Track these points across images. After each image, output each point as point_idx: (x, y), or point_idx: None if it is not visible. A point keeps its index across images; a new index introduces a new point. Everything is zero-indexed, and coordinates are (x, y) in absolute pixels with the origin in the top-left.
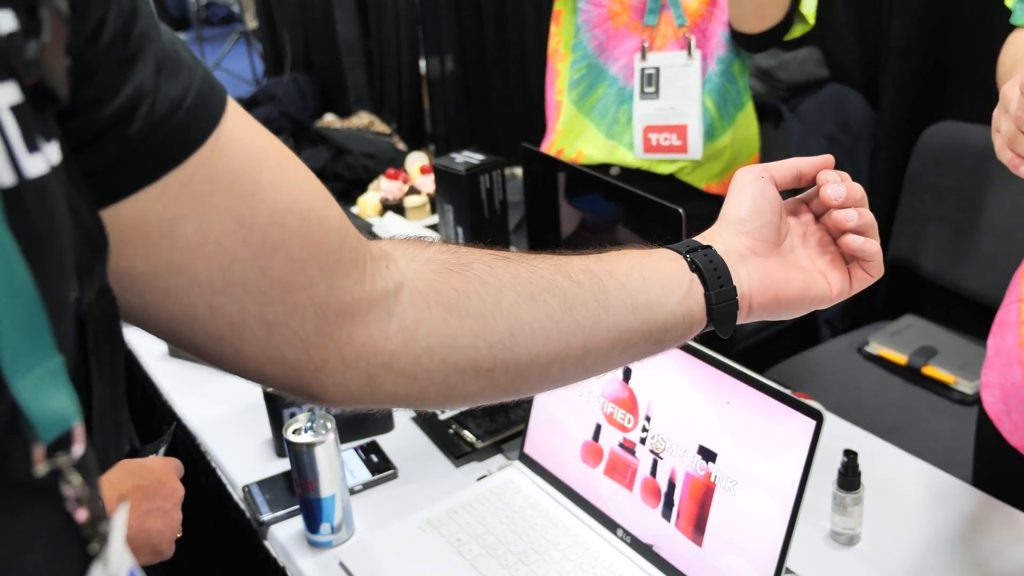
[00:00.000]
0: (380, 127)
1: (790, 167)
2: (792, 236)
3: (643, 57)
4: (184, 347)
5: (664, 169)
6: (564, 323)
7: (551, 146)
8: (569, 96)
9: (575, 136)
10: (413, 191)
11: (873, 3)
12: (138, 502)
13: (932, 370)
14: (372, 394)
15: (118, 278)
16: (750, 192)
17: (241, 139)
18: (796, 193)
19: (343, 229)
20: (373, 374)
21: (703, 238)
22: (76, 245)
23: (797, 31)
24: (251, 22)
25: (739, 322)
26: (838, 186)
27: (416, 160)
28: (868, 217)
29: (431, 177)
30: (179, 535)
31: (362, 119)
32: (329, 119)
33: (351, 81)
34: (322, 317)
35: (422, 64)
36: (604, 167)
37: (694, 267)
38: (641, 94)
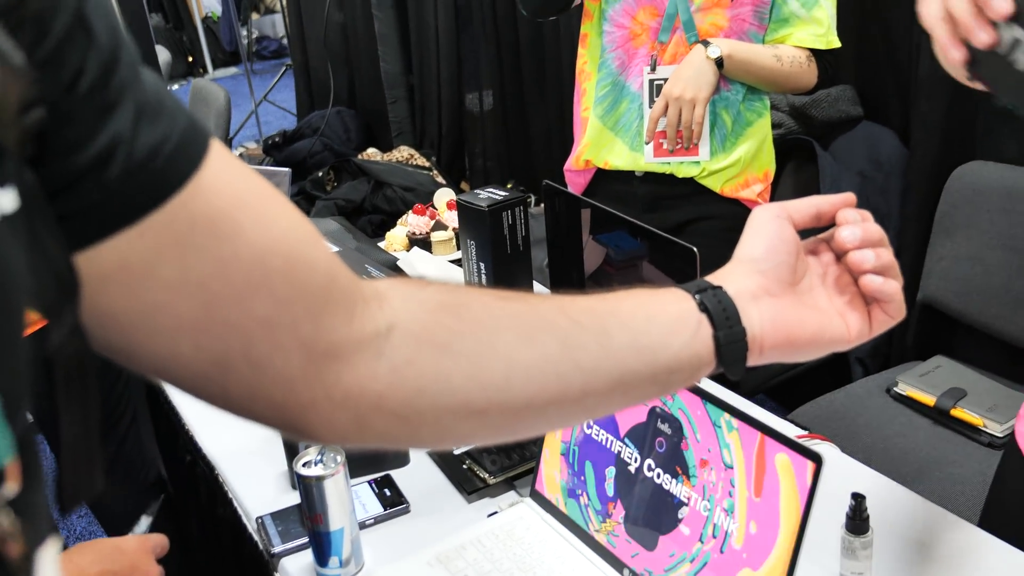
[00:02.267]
0: (420, 160)
1: (809, 206)
2: (811, 276)
3: (652, 70)
4: (172, 384)
5: (684, 172)
6: (562, 365)
7: (579, 157)
8: (595, 112)
9: (601, 147)
10: (439, 226)
11: (904, 42)
12: None
13: (961, 412)
14: (362, 434)
15: (101, 318)
16: (766, 231)
17: (224, 181)
18: (817, 231)
19: (331, 270)
20: (362, 414)
21: (715, 278)
22: (43, 288)
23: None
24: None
25: (751, 364)
26: (855, 228)
27: (443, 196)
28: (887, 258)
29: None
30: None
31: (402, 152)
32: (370, 152)
33: (393, 115)
34: (308, 357)
35: (465, 99)
36: (628, 173)
37: (703, 307)
38: (650, 103)
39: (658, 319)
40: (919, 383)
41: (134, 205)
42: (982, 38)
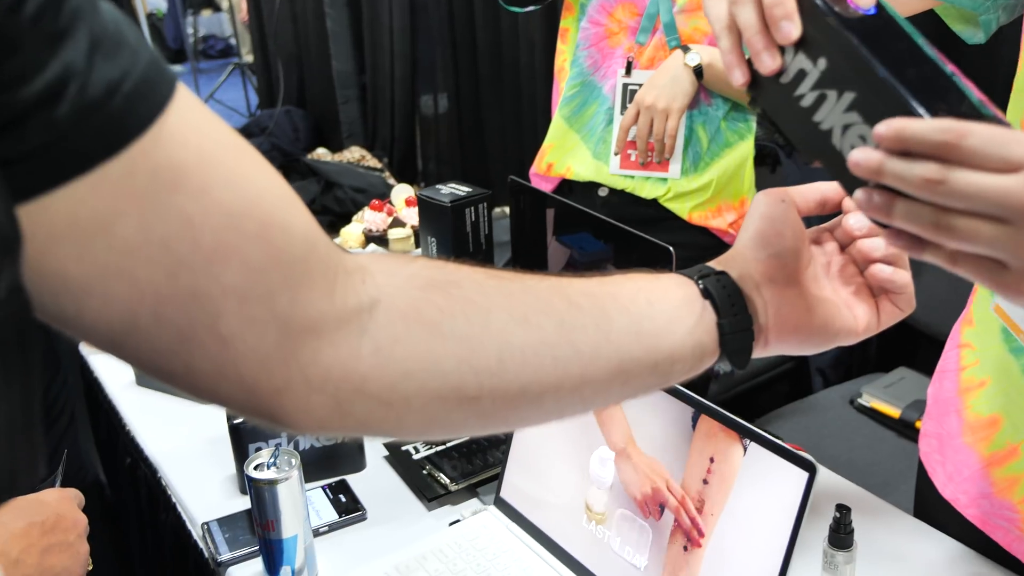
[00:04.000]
0: (372, 162)
1: (814, 192)
2: (815, 265)
3: (627, 73)
4: (129, 361)
5: (648, 193)
6: (560, 349)
7: (541, 158)
8: (561, 112)
9: (564, 152)
10: (397, 223)
11: None
12: (36, 540)
13: None
14: (342, 421)
15: (50, 282)
16: (770, 215)
17: (192, 130)
18: (819, 221)
19: (311, 237)
20: (343, 399)
21: (717, 263)
22: None
23: None
24: (248, 55)
25: (756, 355)
26: (862, 215)
27: (402, 192)
28: None
29: (416, 210)
30: (90, 568)
31: (354, 153)
32: (320, 152)
33: (344, 115)
34: (284, 333)
35: (419, 100)
36: (592, 185)
37: (706, 294)
38: (622, 109)
39: (660, 304)
40: (883, 395)
41: (87, 151)
42: (766, 63)
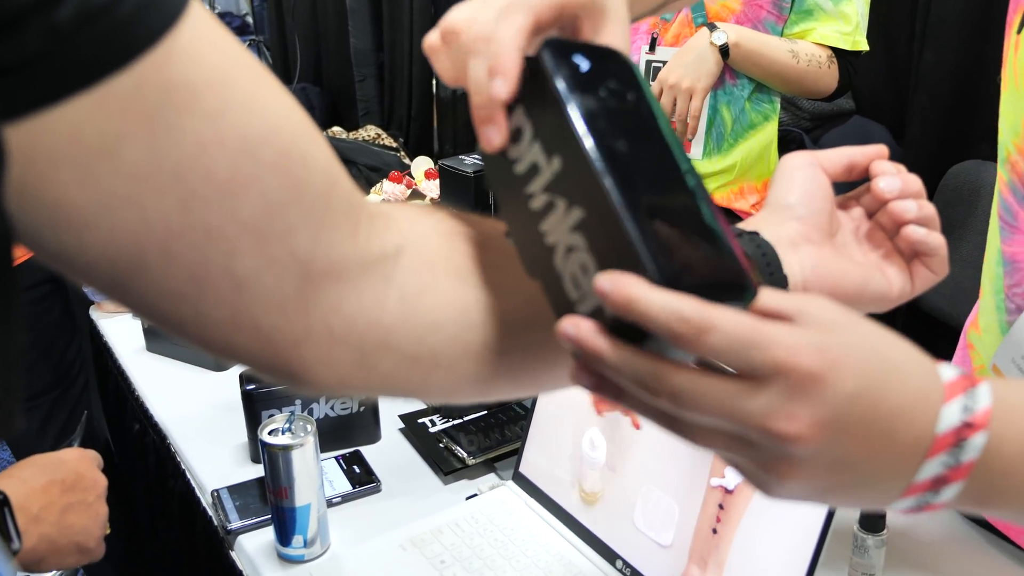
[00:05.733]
0: (387, 141)
1: (841, 156)
2: (843, 231)
3: (651, 50)
4: (135, 307)
5: None
6: None
7: None
8: None
9: None
10: (417, 195)
11: (905, 33)
12: (56, 497)
13: None
14: (366, 377)
15: (49, 212)
16: (800, 176)
17: (207, 48)
18: (845, 188)
19: (332, 171)
20: (367, 351)
21: (747, 224)
22: None
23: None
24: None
25: None
26: (893, 178)
27: (421, 164)
28: (929, 209)
29: (436, 183)
30: (108, 531)
31: (369, 132)
32: (336, 130)
33: (360, 93)
34: (304, 276)
35: (434, 81)
36: None
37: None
38: None
39: None
40: None
41: (92, 62)
42: (485, 137)
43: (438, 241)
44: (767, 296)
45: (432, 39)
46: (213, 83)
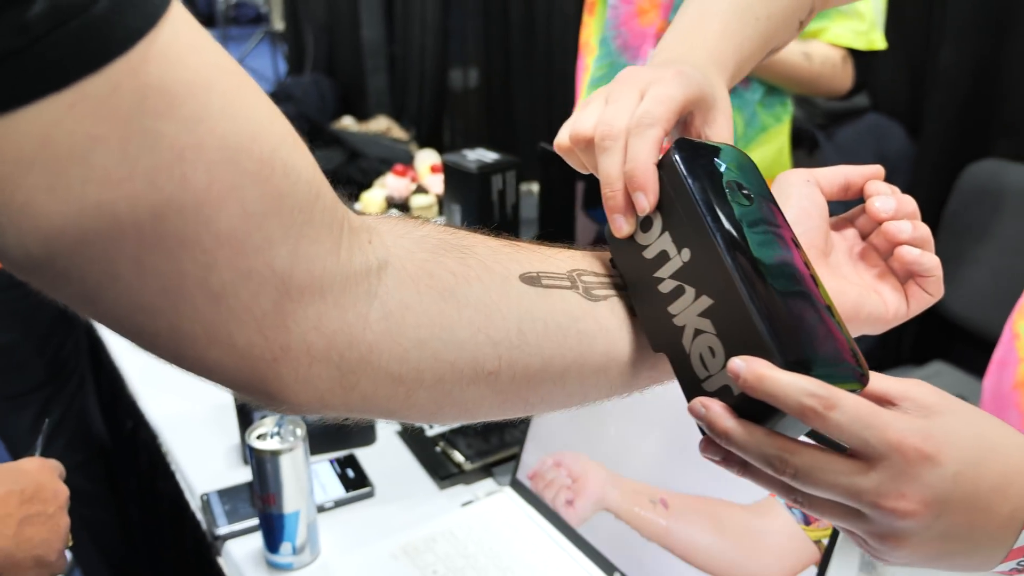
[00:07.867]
0: (398, 133)
1: (837, 175)
2: (837, 252)
3: None
4: (106, 320)
5: None
6: (584, 323)
7: None
8: (588, 94)
9: None
10: (421, 190)
11: (922, 28)
12: (13, 509)
13: None
14: (345, 396)
15: (16, 217)
16: (796, 194)
17: (187, 51)
18: (840, 207)
19: (315, 183)
20: (348, 370)
21: None
22: None
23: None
24: (278, 23)
25: None
26: (887, 198)
27: (426, 158)
28: (923, 230)
29: (440, 177)
30: (70, 544)
31: (380, 124)
32: (346, 122)
33: (372, 85)
34: (283, 291)
35: (449, 74)
36: None
37: None
38: None
39: None
40: None
41: (64, 62)
42: (615, 224)
43: (424, 257)
44: (876, 380)
45: (563, 141)
46: (192, 88)
